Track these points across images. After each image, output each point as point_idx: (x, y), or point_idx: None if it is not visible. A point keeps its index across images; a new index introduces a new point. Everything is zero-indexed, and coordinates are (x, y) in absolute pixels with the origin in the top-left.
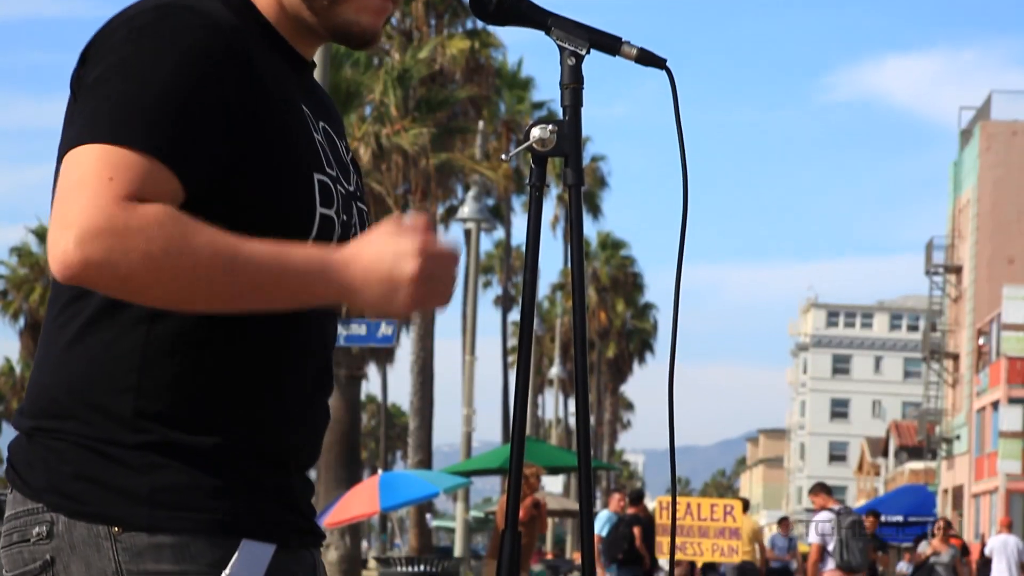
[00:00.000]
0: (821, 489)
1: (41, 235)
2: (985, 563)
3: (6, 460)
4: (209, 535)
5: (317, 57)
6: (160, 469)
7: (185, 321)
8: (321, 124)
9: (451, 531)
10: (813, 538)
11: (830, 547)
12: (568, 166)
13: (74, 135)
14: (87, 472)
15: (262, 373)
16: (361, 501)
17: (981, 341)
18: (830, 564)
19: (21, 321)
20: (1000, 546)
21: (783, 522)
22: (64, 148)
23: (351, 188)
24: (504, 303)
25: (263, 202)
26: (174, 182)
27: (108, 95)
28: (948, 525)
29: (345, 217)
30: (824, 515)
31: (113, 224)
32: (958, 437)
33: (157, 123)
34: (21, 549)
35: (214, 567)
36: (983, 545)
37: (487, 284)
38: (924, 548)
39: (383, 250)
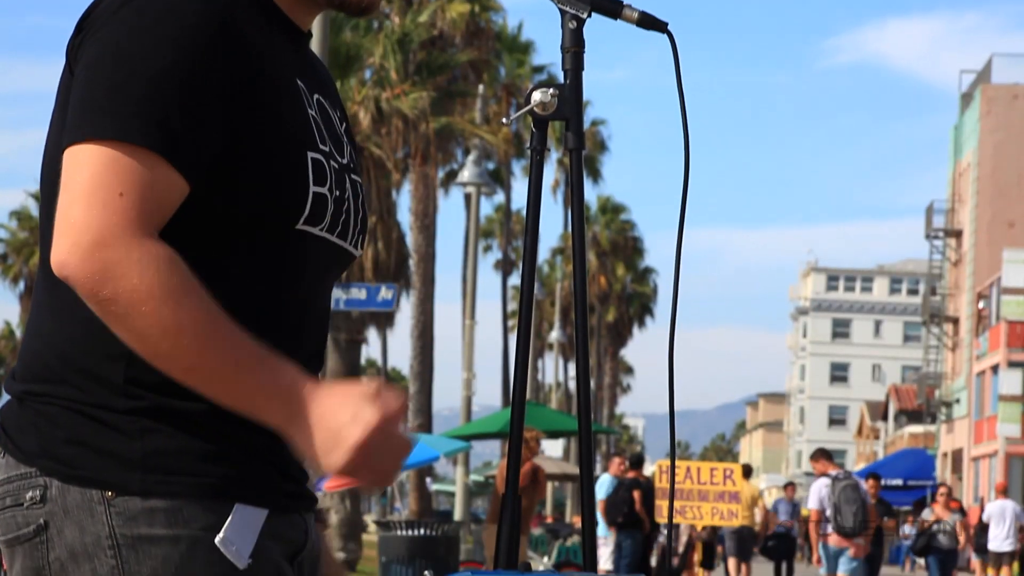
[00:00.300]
0: (822, 455)
1: None
2: (983, 528)
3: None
4: (202, 499)
5: (316, 20)
6: (152, 434)
7: None
8: (316, 97)
9: (451, 495)
10: (812, 504)
11: (828, 512)
12: (569, 130)
13: (75, 125)
14: (79, 437)
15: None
16: None
17: (981, 305)
18: (831, 527)
19: (21, 285)
20: (998, 512)
21: (788, 487)
22: (65, 138)
23: (344, 161)
24: (504, 267)
25: (257, 183)
26: (180, 181)
27: (107, 83)
28: (950, 491)
29: (338, 193)
30: (819, 483)
31: (116, 246)
32: (957, 401)
33: (160, 118)
34: (15, 513)
35: (207, 531)
36: (982, 509)
37: (487, 248)
38: (927, 515)
39: (345, 407)
